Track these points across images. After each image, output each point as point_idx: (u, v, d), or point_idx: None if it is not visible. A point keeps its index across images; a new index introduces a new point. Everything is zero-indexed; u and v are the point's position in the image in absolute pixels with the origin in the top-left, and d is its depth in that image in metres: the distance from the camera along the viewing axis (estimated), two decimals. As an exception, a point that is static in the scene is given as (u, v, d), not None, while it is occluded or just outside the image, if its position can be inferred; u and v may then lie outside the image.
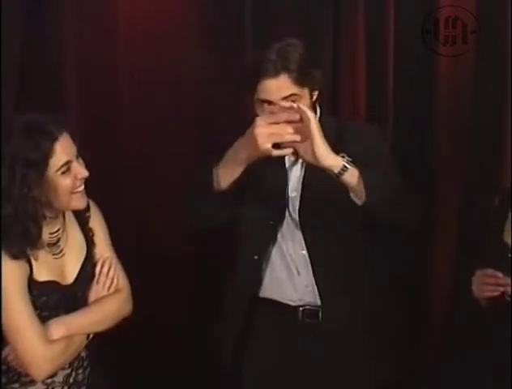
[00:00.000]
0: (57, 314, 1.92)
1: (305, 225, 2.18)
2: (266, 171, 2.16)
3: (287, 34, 3.04)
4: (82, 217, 2.05)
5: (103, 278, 2.02)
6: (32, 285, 1.88)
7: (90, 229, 2.06)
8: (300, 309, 2.23)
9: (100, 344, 2.06)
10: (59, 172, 1.86)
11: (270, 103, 2.07)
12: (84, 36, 2.96)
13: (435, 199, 3.08)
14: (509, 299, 2.20)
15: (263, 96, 2.07)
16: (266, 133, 1.95)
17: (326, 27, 3.03)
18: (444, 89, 3.02)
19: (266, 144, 1.95)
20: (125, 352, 2.82)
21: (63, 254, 1.97)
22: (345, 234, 2.19)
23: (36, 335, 1.84)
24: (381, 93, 3.06)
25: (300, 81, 2.07)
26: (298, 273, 2.22)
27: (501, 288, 2.18)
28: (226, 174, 2.04)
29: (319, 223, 2.16)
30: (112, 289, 2.03)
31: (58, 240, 1.97)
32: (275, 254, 2.22)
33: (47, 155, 1.83)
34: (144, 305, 2.14)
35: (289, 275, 2.23)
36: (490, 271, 2.20)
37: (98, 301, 2.00)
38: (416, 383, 3.01)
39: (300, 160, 2.17)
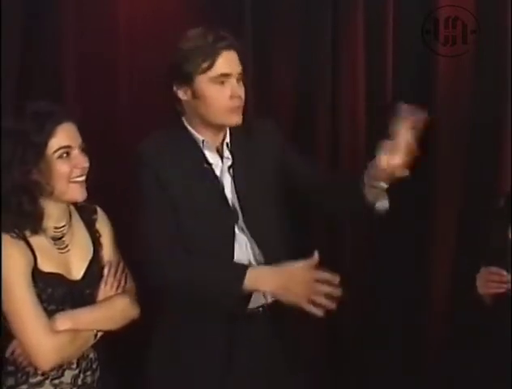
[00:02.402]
0: (64, 309, 1.93)
1: (250, 228, 2.16)
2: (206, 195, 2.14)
3: (287, 34, 3.08)
4: (88, 219, 2.09)
5: (111, 279, 2.04)
6: (37, 276, 1.89)
7: (96, 231, 2.09)
8: (260, 309, 2.18)
9: (110, 348, 2.07)
10: (57, 154, 1.90)
11: (226, 77, 2.09)
12: (84, 36, 2.96)
13: (435, 200, 3.08)
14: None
15: (225, 69, 2.09)
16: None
17: (325, 27, 3.03)
18: (444, 89, 3.03)
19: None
20: (136, 357, 2.82)
21: (68, 250, 1.99)
22: (280, 227, 2.22)
23: (41, 325, 1.86)
24: (381, 93, 3.06)
25: (240, 60, 2.14)
26: None
27: (506, 285, 2.21)
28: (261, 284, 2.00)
29: (260, 222, 2.17)
30: (119, 290, 2.05)
31: (63, 235, 1.99)
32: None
33: (48, 135, 1.89)
34: (154, 309, 2.16)
35: None
36: (494, 268, 2.25)
37: (106, 299, 2.02)
38: (416, 383, 3.01)
39: (228, 169, 2.17)
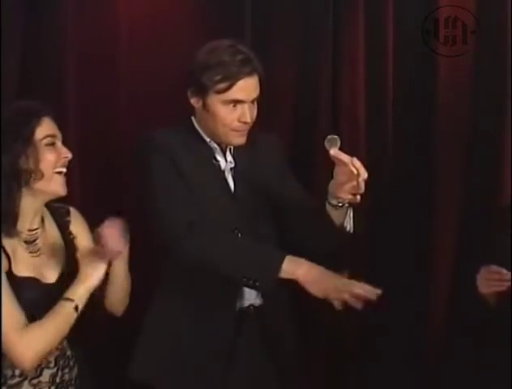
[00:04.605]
0: (38, 312, 1.90)
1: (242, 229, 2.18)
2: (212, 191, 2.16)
3: (287, 34, 3.08)
4: (61, 222, 2.08)
5: None
6: (11, 280, 1.88)
7: (70, 233, 2.08)
8: (251, 307, 2.21)
9: (87, 344, 2.07)
10: (44, 141, 1.93)
11: (239, 103, 2.08)
12: (84, 36, 2.96)
13: (435, 199, 3.08)
14: None
15: (240, 96, 2.07)
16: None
17: (325, 27, 3.04)
18: (444, 89, 3.03)
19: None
20: (114, 353, 2.81)
21: (40, 253, 1.99)
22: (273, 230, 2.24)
23: (13, 325, 1.84)
24: (381, 93, 3.06)
25: (260, 82, 2.11)
26: None
27: (507, 283, 2.21)
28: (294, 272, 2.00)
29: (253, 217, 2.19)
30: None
31: (36, 239, 1.99)
32: None
33: (34, 125, 1.93)
34: (136, 305, 2.15)
35: None
36: (494, 267, 2.23)
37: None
38: (416, 383, 3.02)
39: (230, 166, 2.19)
